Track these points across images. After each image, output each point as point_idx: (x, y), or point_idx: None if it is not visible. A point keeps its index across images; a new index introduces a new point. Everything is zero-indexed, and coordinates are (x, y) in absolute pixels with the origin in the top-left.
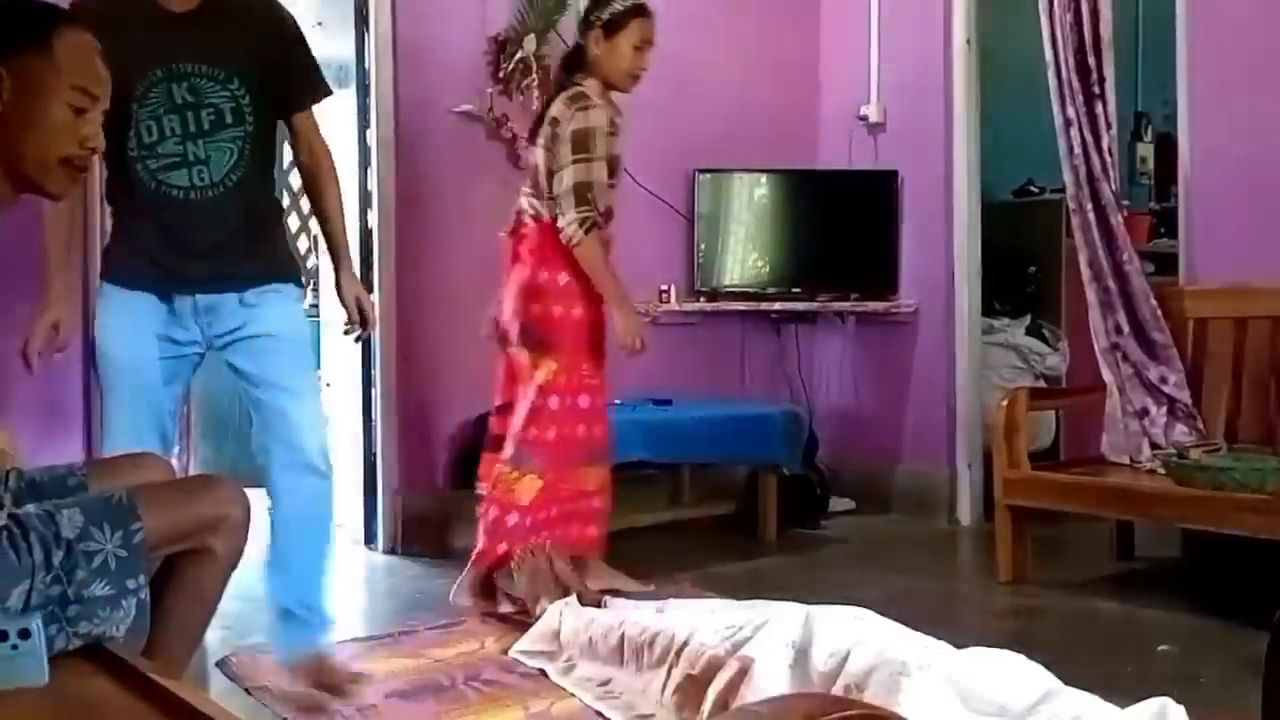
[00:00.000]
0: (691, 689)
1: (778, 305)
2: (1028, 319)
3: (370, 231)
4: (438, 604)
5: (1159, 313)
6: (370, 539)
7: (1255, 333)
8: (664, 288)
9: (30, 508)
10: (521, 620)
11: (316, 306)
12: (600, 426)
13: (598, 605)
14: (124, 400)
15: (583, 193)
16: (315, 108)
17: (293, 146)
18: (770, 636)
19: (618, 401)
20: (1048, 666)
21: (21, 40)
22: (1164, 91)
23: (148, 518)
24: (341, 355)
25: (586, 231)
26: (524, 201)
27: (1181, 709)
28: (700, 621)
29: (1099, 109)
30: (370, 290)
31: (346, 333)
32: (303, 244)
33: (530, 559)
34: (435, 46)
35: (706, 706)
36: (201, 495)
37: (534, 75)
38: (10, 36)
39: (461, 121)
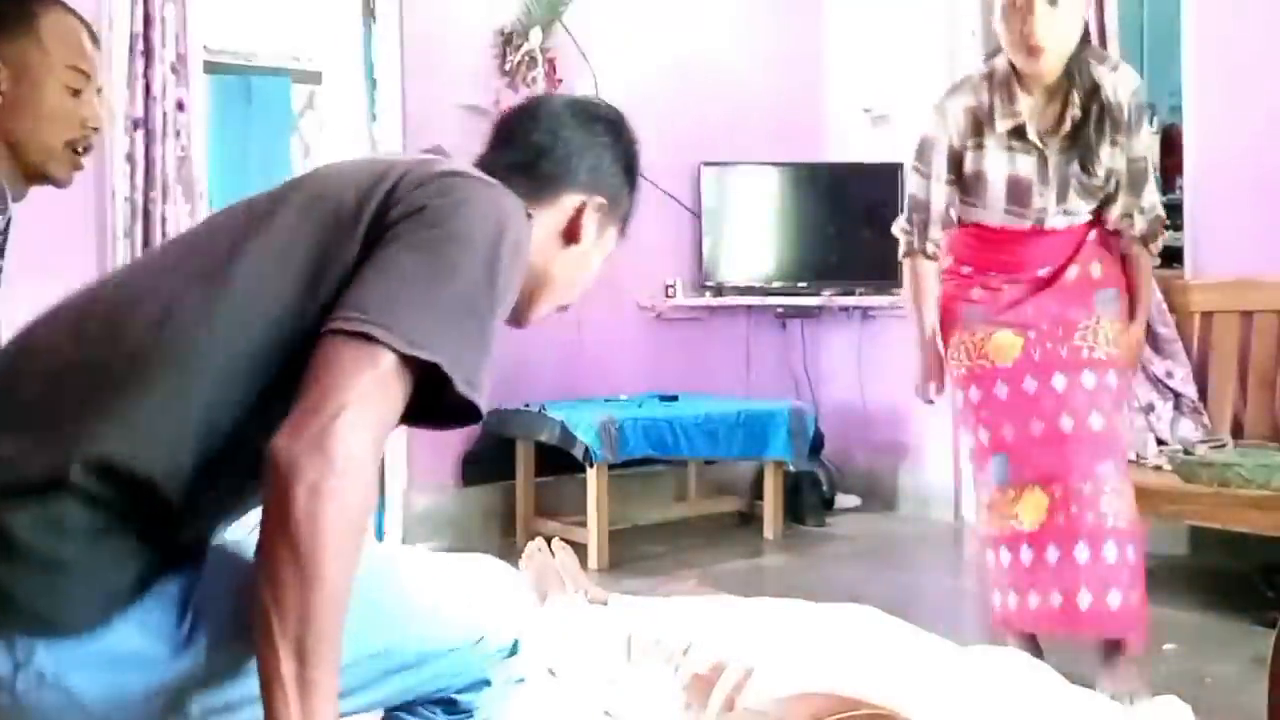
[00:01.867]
0: (698, 688)
1: (783, 300)
2: None
3: None
4: None
5: (1164, 306)
6: (379, 536)
7: (1262, 326)
8: (670, 283)
9: None
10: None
11: None
12: (991, 432)
13: (604, 603)
14: None
15: (907, 206)
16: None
17: None
18: (777, 636)
19: (623, 397)
20: (1053, 665)
21: (5, 24)
22: (1169, 83)
23: None
24: None
25: (902, 255)
26: None
27: (1188, 708)
28: (707, 620)
29: None
30: None
31: None
32: None
33: (537, 555)
34: (442, 41)
35: (713, 706)
36: None
37: (540, 68)
38: None
39: (468, 115)
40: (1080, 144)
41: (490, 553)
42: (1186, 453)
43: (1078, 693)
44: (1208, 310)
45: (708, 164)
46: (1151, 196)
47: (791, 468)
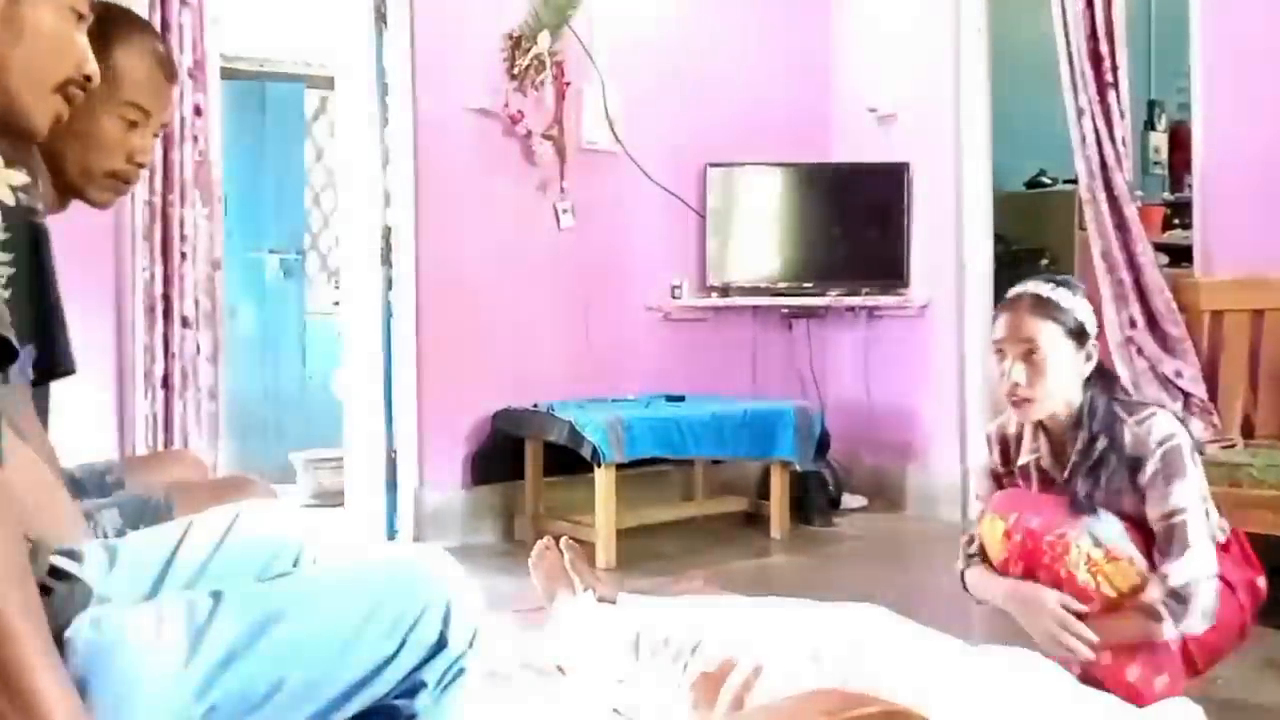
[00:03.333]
0: (706, 686)
1: (789, 300)
2: None
3: (390, 228)
4: None
5: (1174, 305)
6: (391, 534)
7: (1272, 325)
8: (676, 283)
9: None
10: (539, 616)
11: (337, 303)
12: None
13: (613, 602)
14: None
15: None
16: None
17: None
18: (785, 634)
19: (630, 397)
20: (1063, 665)
21: None
22: (1177, 79)
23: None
24: (362, 350)
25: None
26: None
27: (1199, 709)
28: (715, 619)
29: (1111, 98)
30: (390, 286)
31: None
32: (325, 241)
33: (546, 553)
34: (451, 45)
35: (721, 703)
36: (233, 495)
37: (548, 71)
38: None
39: (478, 118)
40: (1087, 486)
41: (499, 551)
42: (1197, 452)
43: (1088, 692)
44: (1217, 309)
45: (713, 165)
46: (1184, 570)
47: (798, 467)
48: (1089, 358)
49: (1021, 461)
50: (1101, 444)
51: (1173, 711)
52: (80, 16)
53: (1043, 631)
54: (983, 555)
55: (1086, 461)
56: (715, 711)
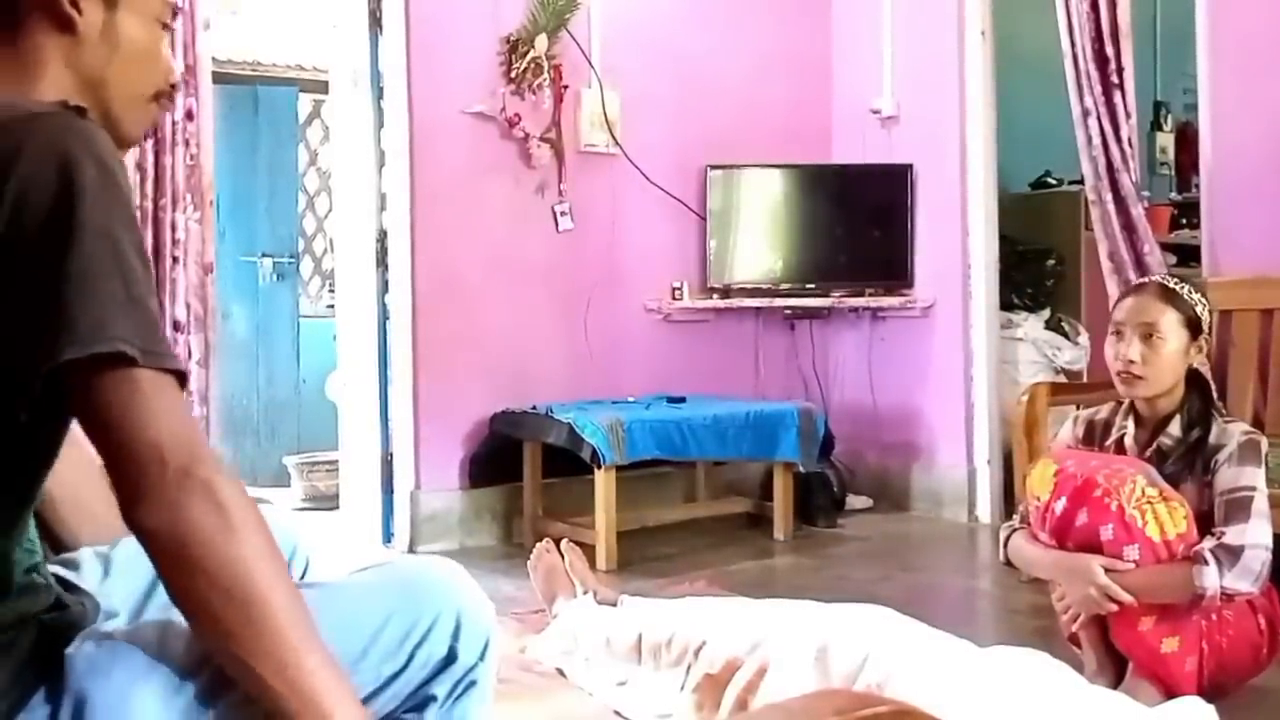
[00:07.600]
0: (710, 688)
1: (791, 301)
2: (1046, 313)
3: (386, 232)
4: None
5: None
6: (387, 537)
7: None
8: (676, 285)
9: None
10: (538, 619)
11: (332, 306)
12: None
13: (614, 604)
14: None
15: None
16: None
17: None
18: (789, 636)
19: (630, 399)
20: (1072, 665)
21: None
22: (1183, 79)
23: None
24: (358, 353)
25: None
26: None
27: (1211, 708)
28: (718, 620)
29: (1117, 99)
30: (386, 289)
31: None
32: (319, 245)
33: (546, 556)
34: (447, 47)
35: (725, 705)
36: None
37: (545, 75)
38: None
39: (474, 122)
40: (1166, 466)
41: (497, 554)
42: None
43: (1099, 693)
44: (1226, 308)
45: (714, 166)
46: (1241, 534)
47: (802, 469)
48: (1199, 350)
49: (1107, 440)
50: (1195, 434)
51: (1184, 712)
52: (165, 26)
53: (1084, 599)
54: (1024, 523)
55: (1176, 448)
56: (719, 713)
